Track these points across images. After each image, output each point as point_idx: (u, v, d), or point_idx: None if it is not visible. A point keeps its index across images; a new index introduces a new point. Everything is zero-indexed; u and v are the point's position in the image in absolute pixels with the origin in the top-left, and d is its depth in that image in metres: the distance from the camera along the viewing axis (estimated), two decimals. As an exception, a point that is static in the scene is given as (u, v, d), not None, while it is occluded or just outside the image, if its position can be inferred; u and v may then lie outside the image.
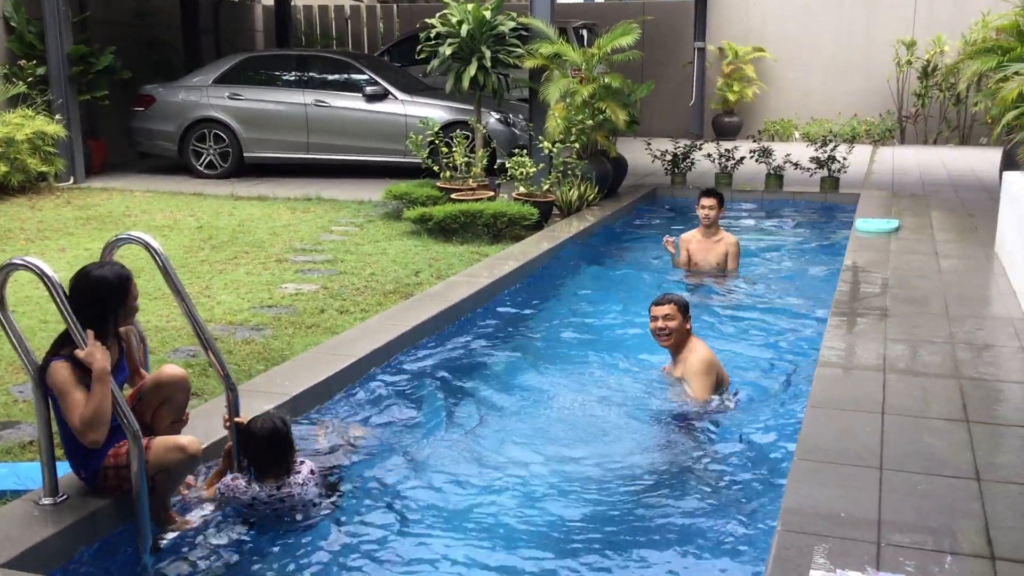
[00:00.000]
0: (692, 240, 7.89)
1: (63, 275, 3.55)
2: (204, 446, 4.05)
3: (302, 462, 3.93)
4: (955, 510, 3.42)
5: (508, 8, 10.57)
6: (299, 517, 3.73)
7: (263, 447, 3.78)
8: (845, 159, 11.68)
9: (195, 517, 3.76)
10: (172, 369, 3.84)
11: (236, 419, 3.85)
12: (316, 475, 3.89)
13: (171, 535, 3.63)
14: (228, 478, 3.84)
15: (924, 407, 4.43)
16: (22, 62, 11.92)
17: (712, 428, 4.83)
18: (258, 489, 3.76)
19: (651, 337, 5.26)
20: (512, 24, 10.23)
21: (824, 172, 11.54)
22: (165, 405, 3.79)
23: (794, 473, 3.74)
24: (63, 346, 3.51)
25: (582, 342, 6.29)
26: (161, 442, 3.53)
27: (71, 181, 11.93)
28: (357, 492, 4.06)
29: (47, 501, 3.52)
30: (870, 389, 4.64)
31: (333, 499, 3.90)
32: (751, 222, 10.69)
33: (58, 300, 3.38)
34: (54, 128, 11.14)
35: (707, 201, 7.66)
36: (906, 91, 17.52)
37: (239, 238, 8.77)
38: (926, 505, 3.47)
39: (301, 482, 3.80)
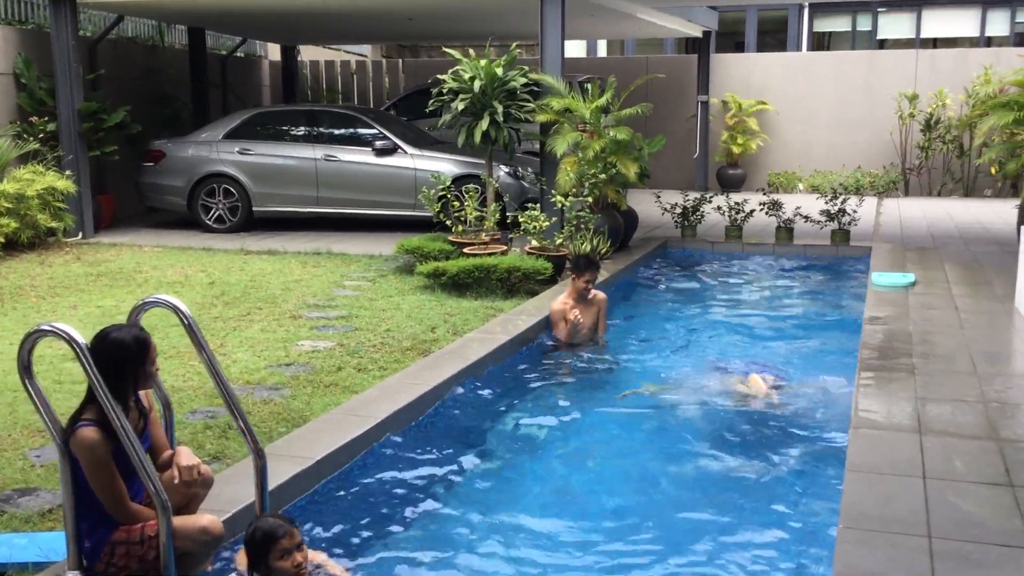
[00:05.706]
0: (569, 308, 7.28)
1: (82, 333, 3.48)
2: (230, 513, 3.96)
3: (317, 567, 3.71)
4: (1011, 581, 3.33)
5: (518, 63, 10.61)
6: None
7: (261, 553, 3.44)
8: (855, 211, 11.68)
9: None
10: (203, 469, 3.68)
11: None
12: None
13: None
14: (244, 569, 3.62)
15: (965, 471, 4.34)
16: (33, 118, 11.97)
17: (751, 489, 4.73)
18: None
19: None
20: (524, 80, 10.28)
21: (835, 225, 11.53)
22: (190, 503, 3.67)
23: (841, 541, 3.64)
24: (86, 410, 3.43)
25: (608, 388, 6.25)
26: (183, 523, 3.41)
27: (80, 236, 11.90)
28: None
29: (72, 575, 3.41)
30: (908, 452, 4.54)
31: None
32: (764, 275, 10.66)
33: (88, 367, 3.31)
34: (64, 184, 11.11)
35: (592, 275, 7.31)
36: (909, 143, 17.61)
37: (251, 294, 8.70)
38: (980, 575, 3.37)
39: None
